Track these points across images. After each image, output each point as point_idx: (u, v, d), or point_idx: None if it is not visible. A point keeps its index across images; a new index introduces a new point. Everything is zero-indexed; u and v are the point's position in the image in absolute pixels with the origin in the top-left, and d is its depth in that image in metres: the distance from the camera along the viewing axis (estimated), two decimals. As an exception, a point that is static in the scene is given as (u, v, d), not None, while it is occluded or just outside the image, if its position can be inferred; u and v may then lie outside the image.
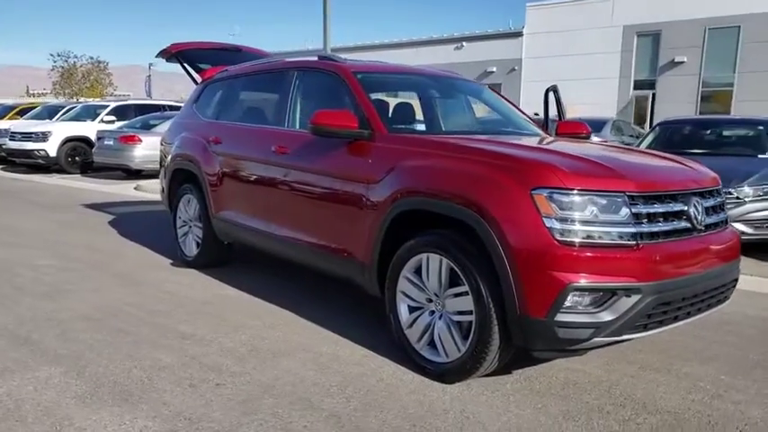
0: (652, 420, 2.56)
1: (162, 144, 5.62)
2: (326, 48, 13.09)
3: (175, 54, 5.68)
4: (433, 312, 2.96)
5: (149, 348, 3.28)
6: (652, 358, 3.24)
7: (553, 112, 4.73)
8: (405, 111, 3.92)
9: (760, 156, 6.39)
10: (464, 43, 27.17)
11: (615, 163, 2.79)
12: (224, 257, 5.01)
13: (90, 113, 14.03)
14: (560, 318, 2.47)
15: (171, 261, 5.25)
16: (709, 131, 7.39)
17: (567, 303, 2.46)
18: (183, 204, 5.11)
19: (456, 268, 2.76)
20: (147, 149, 11.28)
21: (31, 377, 2.88)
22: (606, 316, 2.48)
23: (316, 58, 4.14)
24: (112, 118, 13.50)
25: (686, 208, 2.74)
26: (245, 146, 4.32)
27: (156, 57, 6.13)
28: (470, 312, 2.73)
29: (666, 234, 2.63)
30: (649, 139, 7.51)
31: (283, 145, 3.91)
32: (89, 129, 13.27)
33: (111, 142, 11.74)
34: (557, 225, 2.48)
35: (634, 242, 2.52)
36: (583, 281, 2.44)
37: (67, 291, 4.33)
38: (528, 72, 25.59)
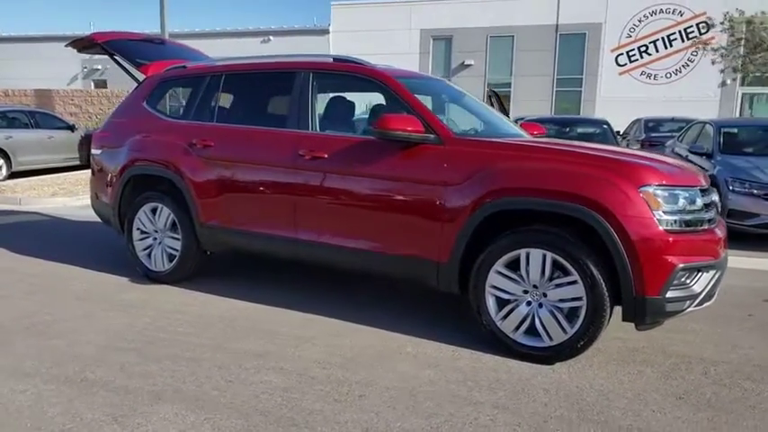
0: (720, 370, 3.21)
1: (98, 148, 4.89)
2: (164, 33, 12.21)
3: (102, 44, 5.01)
4: (529, 303, 3.27)
5: (242, 372, 3.03)
6: (660, 322, 3.96)
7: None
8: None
9: (613, 151, 7.83)
10: (271, 37, 26.94)
11: (680, 164, 3.41)
12: (200, 269, 4.63)
13: None
14: (669, 294, 3.00)
15: (128, 278, 4.66)
16: (567, 129, 8.76)
17: (675, 282, 3.00)
18: (144, 214, 4.56)
19: (564, 261, 3.10)
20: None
21: (157, 419, 2.53)
22: (697, 289, 3.07)
23: (330, 60, 4.10)
24: None
25: (714, 198, 3.48)
26: (254, 150, 4.07)
27: (68, 46, 5.32)
28: (579, 299, 3.11)
29: (713, 220, 3.33)
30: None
31: (315, 149, 3.81)
32: None
33: None
34: (662, 216, 2.99)
35: (706, 226, 3.17)
36: (684, 261, 3.00)
37: (52, 322, 3.67)
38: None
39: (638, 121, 14.37)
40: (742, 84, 24.04)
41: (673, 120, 13.59)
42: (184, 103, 4.50)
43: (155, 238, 4.58)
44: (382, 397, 2.80)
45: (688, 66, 24.89)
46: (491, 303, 3.34)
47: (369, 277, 4.72)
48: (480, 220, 3.29)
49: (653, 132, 13.15)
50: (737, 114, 23.79)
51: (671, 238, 2.99)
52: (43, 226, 7.00)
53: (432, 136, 3.50)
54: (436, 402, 2.77)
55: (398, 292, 4.46)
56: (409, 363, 3.21)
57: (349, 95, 4.49)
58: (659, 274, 2.97)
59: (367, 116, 4.26)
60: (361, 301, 4.22)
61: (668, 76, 25.26)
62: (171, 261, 4.51)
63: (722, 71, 20.45)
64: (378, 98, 4.46)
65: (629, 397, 2.88)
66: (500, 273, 3.29)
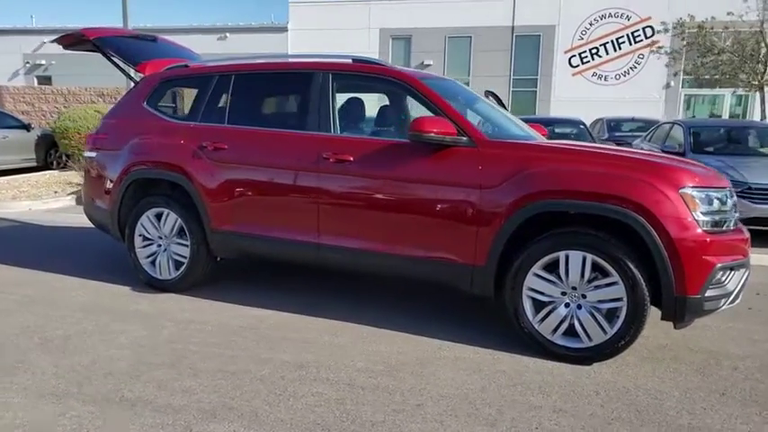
0: (748, 364, 3.31)
1: (94, 150, 4.63)
2: (126, 25, 11.77)
3: (93, 41, 4.75)
4: (567, 304, 3.29)
5: (287, 384, 2.92)
6: (677, 319, 4.05)
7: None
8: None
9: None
10: (228, 34, 26.36)
11: (706, 167, 3.50)
12: (208, 276, 4.45)
13: None
14: (708, 293, 3.07)
15: (130, 287, 4.43)
16: (547, 129, 8.88)
17: (713, 281, 3.08)
18: (148, 220, 4.35)
19: (604, 262, 3.14)
20: None
21: (219, 440, 2.40)
22: (731, 287, 3.17)
23: (350, 61, 4.01)
24: None
25: (735, 199, 3.59)
26: (272, 153, 3.93)
27: (54, 42, 5.03)
28: (619, 299, 3.14)
29: (737, 220, 3.43)
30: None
31: (340, 151, 3.72)
32: None
33: None
34: (700, 217, 3.06)
35: (735, 226, 3.27)
36: (721, 261, 3.08)
37: (66, 337, 3.45)
38: (293, 67, 25.99)
39: (600, 120, 14.80)
40: (684, 86, 25.07)
41: (633, 119, 14.09)
42: (191, 104, 4.31)
43: (159, 245, 4.38)
44: (440, 405, 2.75)
45: (635, 68, 25.72)
46: (528, 306, 3.34)
47: (381, 280, 4.68)
48: (521, 221, 3.28)
49: (615, 132, 13.57)
50: (680, 113, 24.83)
51: (708, 239, 3.06)
52: (13, 232, 6.60)
53: (464, 138, 3.47)
54: (495, 408, 2.74)
55: (413, 294, 4.41)
56: (451, 368, 3.17)
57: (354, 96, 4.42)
58: (700, 274, 3.04)
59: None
60: (378, 305, 4.15)
61: (617, 77, 26.03)
62: (178, 269, 4.31)
63: (675, 74, 21.25)
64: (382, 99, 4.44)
65: (677, 396, 2.93)
66: (538, 275, 3.30)
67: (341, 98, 4.10)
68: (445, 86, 4.12)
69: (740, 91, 18.75)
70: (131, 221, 4.41)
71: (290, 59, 4.21)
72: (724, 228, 3.18)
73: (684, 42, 16.83)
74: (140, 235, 4.40)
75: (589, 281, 3.21)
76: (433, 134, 3.39)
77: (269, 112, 4.35)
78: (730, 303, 3.22)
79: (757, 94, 15.68)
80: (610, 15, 25.83)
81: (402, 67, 4.04)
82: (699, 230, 3.04)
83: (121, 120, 4.59)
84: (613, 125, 14.10)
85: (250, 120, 4.18)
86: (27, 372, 2.98)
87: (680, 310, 3.09)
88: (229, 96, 4.24)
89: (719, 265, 3.07)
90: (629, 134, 13.51)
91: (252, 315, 3.92)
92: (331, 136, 3.82)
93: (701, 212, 3.08)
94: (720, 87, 22.62)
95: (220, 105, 4.25)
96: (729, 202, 3.26)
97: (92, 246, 5.75)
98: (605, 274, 3.17)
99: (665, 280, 3.06)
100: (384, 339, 3.55)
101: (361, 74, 3.97)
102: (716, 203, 3.16)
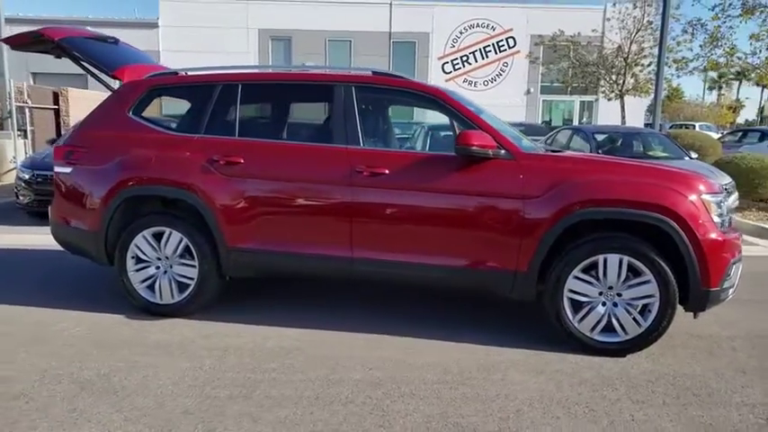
0: (742, 343, 3.82)
1: (68, 165, 4.10)
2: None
3: (59, 42, 4.25)
4: (604, 303, 3.58)
5: (381, 403, 2.88)
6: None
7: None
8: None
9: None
10: (89, 28, 24.15)
11: (706, 173, 3.97)
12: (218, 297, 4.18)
13: None
14: (724, 285, 3.53)
15: (124, 315, 4.03)
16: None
17: (728, 274, 3.53)
18: (144, 240, 3.97)
19: (640, 263, 3.47)
20: None
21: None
22: (734, 279, 3.65)
23: (370, 74, 4.00)
24: None
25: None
26: (298, 167, 3.79)
27: (2, 41, 4.41)
28: (651, 296, 3.49)
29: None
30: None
31: (375, 165, 3.71)
32: None
33: None
34: (717, 219, 3.51)
35: (730, 225, 3.77)
36: (732, 257, 3.55)
37: (104, 376, 3.08)
38: (168, 65, 24.44)
39: (490, 125, 15.78)
40: (542, 92, 27.43)
41: (521, 124, 15.19)
42: (199, 117, 4.01)
43: (158, 267, 4.02)
44: (536, 409, 2.88)
45: (501, 75, 27.61)
46: (568, 307, 3.59)
47: (381, 288, 4.70)
48: (563, 229, 3.51)
49: (507, 136, 14.53)
50: (540, 116, 27.16)
51: (722, 238, 3.51)
52: None
53: (503, 151, 3.64)
54: (584, 406, 2.93)
55: (419, 301, 4.49)
56: (516, 372, 3.32)
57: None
58: (720, 269, 3.48)
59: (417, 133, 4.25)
60: (393, 315, 4.18)
61: (486, 83, 27.75)
62: (182, 292, 4.00)
63: (552, 82, 23.14)
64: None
65: (713, 377, 3.33)
66: (578, 277, 3.56)
67: (365, 111, 4.07)
68: (462, 100, 4.25)
69: (601, 98, 20.85)
70: (122, 243, 4.01)
71: (309, 71, 4.08)
72: (728, 227, 3.67)
73: (557, 55, 18.47)
74: (134, 257, 4.02)
75: (625, 281, 3.53)
76: (478, 147, 3.51)
77: (286, 124, 4.17)
78: (733, 292, 3.71)
79: (606, 101, 17.63)
80: (477, 25, 27.43)
81: (427, 82, 4.10)
82: (717, 231, 3.48)
83: (103, 131, 4.14)
84: (504, 129, 15.13)
85: (265, 132, 4.01)
86: (92, 421, 2.63)
87: (703, 302, 3.51)
88: (238, 107, 4.01)
89: (732, 260, 3.53)
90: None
91: (284, 335, 3.76)
92: (364, 149, 3.79)
93: (716, 215, 3.52)
94: (572, 94, 25.12)
95: (229, 116, 4.01)
96: (725, 206, 3.74)
97: (32, 270, 5.11)
98: (637, 273, 3.50)
99: (694, 276, 3.45)
100: (428, 349, 3.60)
101: (390, 88, 3.97)
102: (723, 206, 3.62)
